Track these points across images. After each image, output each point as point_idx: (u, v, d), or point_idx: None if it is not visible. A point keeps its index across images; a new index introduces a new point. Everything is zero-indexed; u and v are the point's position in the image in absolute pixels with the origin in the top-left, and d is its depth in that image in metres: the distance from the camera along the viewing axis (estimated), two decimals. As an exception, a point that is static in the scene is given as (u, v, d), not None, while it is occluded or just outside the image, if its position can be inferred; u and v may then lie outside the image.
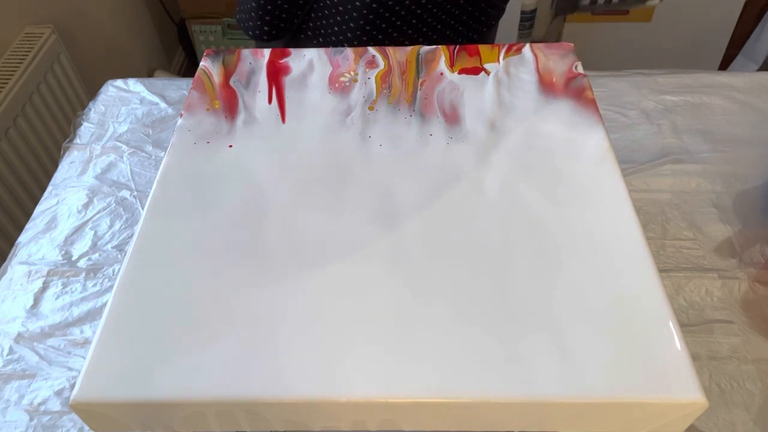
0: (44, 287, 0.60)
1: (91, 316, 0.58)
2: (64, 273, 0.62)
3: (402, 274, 0.35)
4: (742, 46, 1.64)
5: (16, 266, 0.63)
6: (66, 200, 0.69)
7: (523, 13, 1.56)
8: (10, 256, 0.64)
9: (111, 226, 0.66)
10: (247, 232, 0.38)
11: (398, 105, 0.46)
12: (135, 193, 0.70)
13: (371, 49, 0.51)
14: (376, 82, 0.48)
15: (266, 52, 0.51)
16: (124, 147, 0.75)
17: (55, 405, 0.52)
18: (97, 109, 0.81)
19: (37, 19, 1.17)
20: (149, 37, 1.69)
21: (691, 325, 0.55)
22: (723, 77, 0.81)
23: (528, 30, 1.60)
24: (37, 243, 0.65)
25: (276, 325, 0.33)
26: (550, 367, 0.31)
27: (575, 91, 0.46)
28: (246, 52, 0.51)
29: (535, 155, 0.42)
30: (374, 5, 0.68)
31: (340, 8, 0.70)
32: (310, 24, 0.74)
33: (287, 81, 0.48)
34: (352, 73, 0.49)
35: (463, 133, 0.44)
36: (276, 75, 0.49)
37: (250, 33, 0.77)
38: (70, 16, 1.27)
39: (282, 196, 0.40)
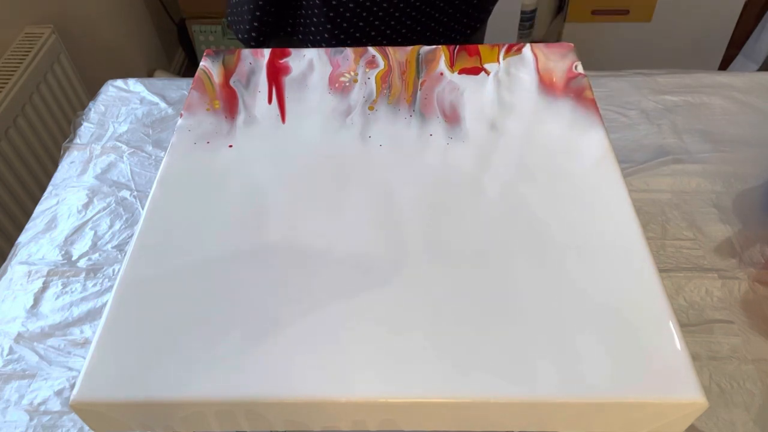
0: (44, 287, 0.60)
1: (91, 316, 0.58)
2: (64, 273, 0.62)
3: (402, 273, 0.35)
4: (742, 46, 1.64)
5: (16, 266, 0.63)
6: (66, 200, 0.69)
7: (523, 13, 1.56)
8: (10, 256, 0.64)
9: (111, 226, 0.66)
10: (247, 232, 0.38)
11: (398, 105, 0.46)
12: (135, 193, 0.70)
13: (371, 49, 0.51)
14: (376, 82, 0.48)
15: (266, 52, 0.51)
16: (124, 147, 0.75)
17: (55, 405, 0.52)
18: (97, 109, 0.81)
19: (37, 19, 1.17)
20: (149, 37, 1.69)
21: (691, 325, 0.55)
22: (723, 77, 0.81)
23: (528, 30, 1.60)
24: (37, 243, 0.65)
25: (276, 325, 0.33)
26: (550, 368, 0.31)
27: (575, 91, 0.46)
28: (246, 52, 0.51)
29: (535, 155, 0.42)
30: (351, 4, 0.69)
31: (320, 5, 0.70)
32: (290, 21, 0.75)
33: (287, 81, 0.49)
34: (352, 73, 0.49)
35: (463, 133, 0.44)
36: (276, 75, 0.49)
37: (239, 36, 0.78)
38: (70, 16, 1.27)
39: (282, 196, 0.40)
